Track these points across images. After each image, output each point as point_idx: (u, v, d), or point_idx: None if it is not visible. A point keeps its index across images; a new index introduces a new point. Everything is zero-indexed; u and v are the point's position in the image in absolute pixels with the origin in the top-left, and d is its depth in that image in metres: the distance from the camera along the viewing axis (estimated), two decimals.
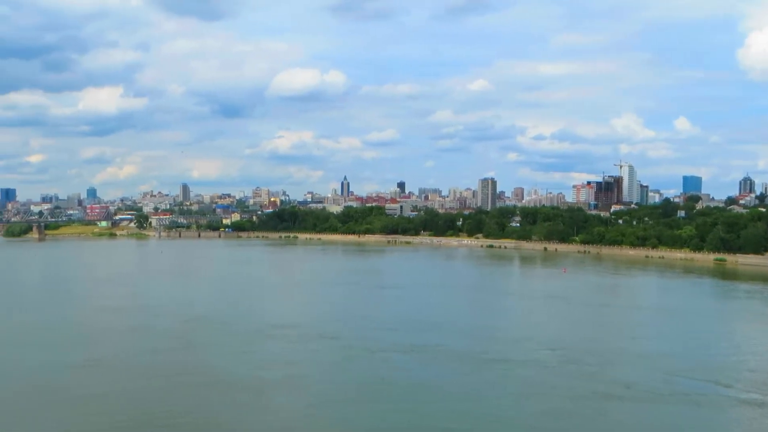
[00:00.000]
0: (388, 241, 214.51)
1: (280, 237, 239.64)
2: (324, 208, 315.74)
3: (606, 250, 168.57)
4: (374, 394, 47.16)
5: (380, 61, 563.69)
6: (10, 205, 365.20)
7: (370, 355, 58.04)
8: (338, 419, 42.46)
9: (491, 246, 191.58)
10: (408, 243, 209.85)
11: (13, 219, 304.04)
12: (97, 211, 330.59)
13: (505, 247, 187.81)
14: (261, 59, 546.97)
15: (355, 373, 52.32)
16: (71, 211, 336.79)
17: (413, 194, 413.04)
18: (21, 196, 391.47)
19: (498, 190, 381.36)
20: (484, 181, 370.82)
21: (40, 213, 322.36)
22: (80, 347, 62.02)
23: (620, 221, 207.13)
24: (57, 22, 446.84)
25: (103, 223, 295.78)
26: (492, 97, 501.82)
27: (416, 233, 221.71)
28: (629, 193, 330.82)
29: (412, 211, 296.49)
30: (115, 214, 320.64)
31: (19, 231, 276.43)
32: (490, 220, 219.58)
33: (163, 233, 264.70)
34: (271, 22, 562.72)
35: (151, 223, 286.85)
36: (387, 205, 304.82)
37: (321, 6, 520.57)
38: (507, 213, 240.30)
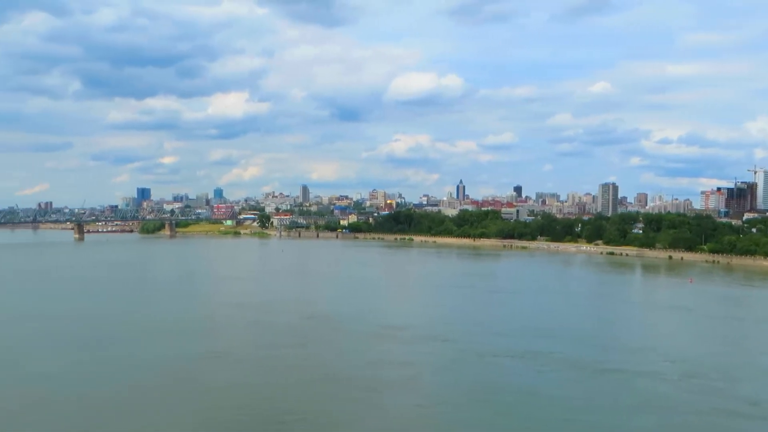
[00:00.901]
0: (504, 246, 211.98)
1: (396, 239, 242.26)
2: (439, 211, 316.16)
3: (737, 260, 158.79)
4: (485, 398, 47.13)
5: (497, 64, 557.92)
6: (145, 203, 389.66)
7: (482, 359, 58.00)
8: (448, 421, 42.79)
9: (611, 253, 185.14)
10: (524, 248, 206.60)
11: (147, 217, 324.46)
12: (223, 210, 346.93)
13: (627, 255, 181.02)
14: (379, 64, 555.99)
15: (466, 377, 52.44)
16: (199, 210, 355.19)
17: (530, 198, 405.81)
18: (155, 195, 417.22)
19: (619, 195, 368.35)
20: (605, 186, 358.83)
21: (172, 211, 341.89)
22: (206, 340, 65.92)
23: (754, 230, 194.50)
24: (190, 32, 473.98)
25: (229, 222, 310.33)
26: (614, 99, 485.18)
27: (533, 238, 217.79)
28: (764, 201, 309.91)
29: (528, 215, 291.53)
30: (240, 213, 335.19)
31: (153, 228, 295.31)
32: (610, 226, 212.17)
33: (283, 233, 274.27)
34: (389, 28, 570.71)
35: (272, 222, 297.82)
36: (503, 209, 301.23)
37: (439, 10, 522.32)
38: (629, 219, 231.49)
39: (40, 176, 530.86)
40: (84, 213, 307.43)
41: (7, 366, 55.24)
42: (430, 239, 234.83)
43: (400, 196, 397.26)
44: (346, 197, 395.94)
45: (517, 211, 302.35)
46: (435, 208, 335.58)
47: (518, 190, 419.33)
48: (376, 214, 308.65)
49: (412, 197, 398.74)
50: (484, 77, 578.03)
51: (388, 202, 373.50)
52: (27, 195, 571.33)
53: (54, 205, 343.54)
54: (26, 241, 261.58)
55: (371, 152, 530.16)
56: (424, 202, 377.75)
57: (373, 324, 72.60)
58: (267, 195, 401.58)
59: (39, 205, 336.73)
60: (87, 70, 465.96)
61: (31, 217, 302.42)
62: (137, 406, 44.97)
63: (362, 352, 60.38)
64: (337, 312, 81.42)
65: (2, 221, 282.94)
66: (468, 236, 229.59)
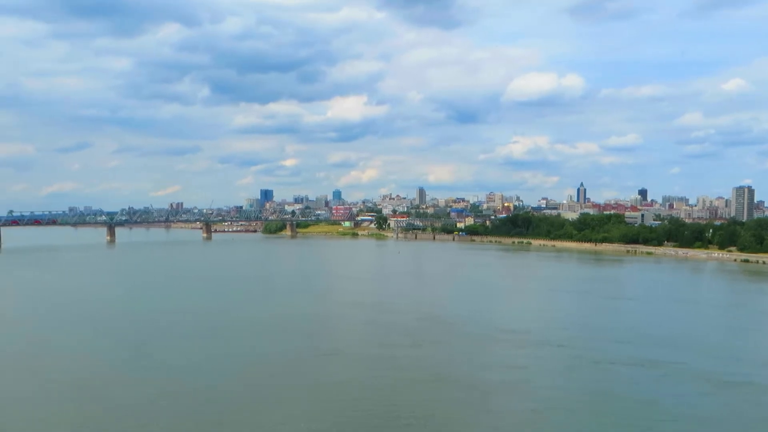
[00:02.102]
0: (627, 251, 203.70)
1: (513, 242, 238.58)
2: (559, 214, 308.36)
3: None
4: (599, 406, 45.72)
5: (621, 62, 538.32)
6: (267, 204, 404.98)
7: (597, 366, 56.16)
8: (562, 428, 41.85)
9: (746, 261, 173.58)
10: (649, 254, 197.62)
11: (270, 217, 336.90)
12: (341, 211, 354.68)
13: (764, 263, 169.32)
14: (497, 65, 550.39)
15: (581, 383, 50.99)
16: (319, 212, 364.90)
17: (656, 202, 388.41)
18: (277, 197, 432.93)
19: (756, 199, 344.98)
20: (740, 189, 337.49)
21: (293, 212, 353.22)
22: (323, 337, 67.94)
23: None
24: (310, 38, 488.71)
25: (347, 223, 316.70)
26: (750, 98, 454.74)
27: (659, 244, 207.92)
28: None
29: (654, 220, 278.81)
30: (357, 215, 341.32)
31: (275, 228, 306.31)
32: (745, 232, 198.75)
33: (400, 234, 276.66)
34: (508, 28, 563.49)
35: (389, 224, 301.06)
36: (626, 213, 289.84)
37: (559, 9, 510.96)
38: (766, 225, 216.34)
39: (172, 178, 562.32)
40: (212, 213, 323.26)
41: (144, 357, 59.41)
42: (549, 243, 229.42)
43: (517, 198, 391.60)
44: (463, 200, 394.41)
45: (642, 215, 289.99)
46: (554, 212, 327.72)
47: (643, 193, 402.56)
48: (493, 217, 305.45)
49: (530, 200, 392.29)
50: (607, 77, 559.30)
51: (506, 204, 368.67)
52: (160, 196, 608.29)
53: (184, 206, 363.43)
54: (160, 240, 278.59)
55: (488, 154, 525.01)
56: (543, 205, 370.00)
57: (488, 326, 72.07)
58: (384, 197, 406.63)
59: (171, 205, 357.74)
60: (215, 77, 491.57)
61: (164, 217, 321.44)
62: (257, 398, 47.01)
63: (476, 354, 60.06)
64: (452, 314, 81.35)
65: (138, 220, 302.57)
66: (589, 241, 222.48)
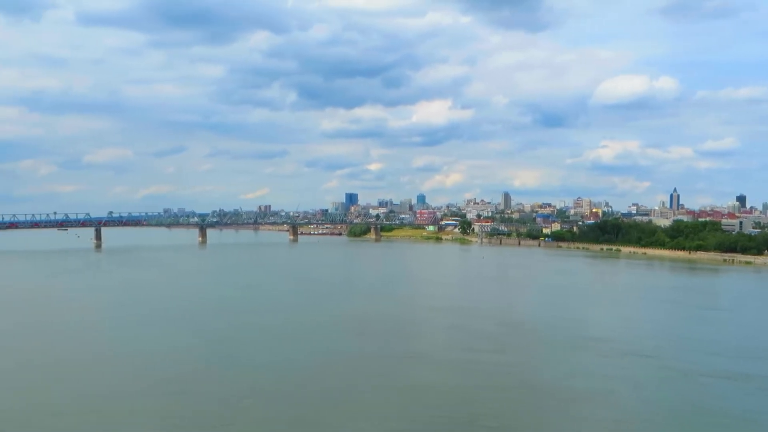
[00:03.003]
0: (725, 260, 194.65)
1: (602, 249, 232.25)
2: (650, 221, 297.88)
3: None
4: (687, 420, 44.12)
5: (718, 63, 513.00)
6: (352, 208, 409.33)
7: (688, 378, 54.14)
8: None
9: None
10: (748, 263, 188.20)
11: (355, 221, 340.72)
12: (425, 216, 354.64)
13: None
14: (585, 67, 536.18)
15: (670, 396, 49.26)
16: (403, 216, 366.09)
17: (756, 209, 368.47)
18: (362, 200, 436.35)
19: None
20: None
21: (377, 216, 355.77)
22: (406, 340, 68.32)
23: None
24: (396, 43, 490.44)
25: (431, 228, 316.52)
26: None
27: (758, 253, 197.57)
28: None
29: (754, 227, 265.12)
30: (441, 219, 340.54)
31: (359, 231, 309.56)
32: None
33: (484, 239, 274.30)
34: (596, 30, 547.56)
35: (473, 229, 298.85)
36: (723, 221, 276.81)
37: (651, 9, 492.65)
38: None
39: (260, 181, 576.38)
40: (298, 216, 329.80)
41: (234, 354, 61.55)
42: (639, 251, 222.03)
43: (606, 204, 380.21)
44: (549, 205, 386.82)
45: (740, 222, 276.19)
46: (645, 218, 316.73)
47: (741, 200, 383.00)
48: (580, 223, 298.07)
49: (620, 206, 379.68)
50: (702, 78, 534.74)
51: (594, 210, 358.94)
52: (249, 199, 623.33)
53: (272, 208, 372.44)
54: (248, 241, 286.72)
55: (576, 159, 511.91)
56: (633, 212, 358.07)
57: (573, 334, 70.65)
58: (468, 201, 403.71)
59: (259, 207, 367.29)
60: (302, 83, 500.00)
61: (253, 219, 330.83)
62: (340, 398, 47.79)
63: (560, 361, 59.00)
64: (537, 320, 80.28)
65: (228, 222, 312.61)
66: (682, 248, 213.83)
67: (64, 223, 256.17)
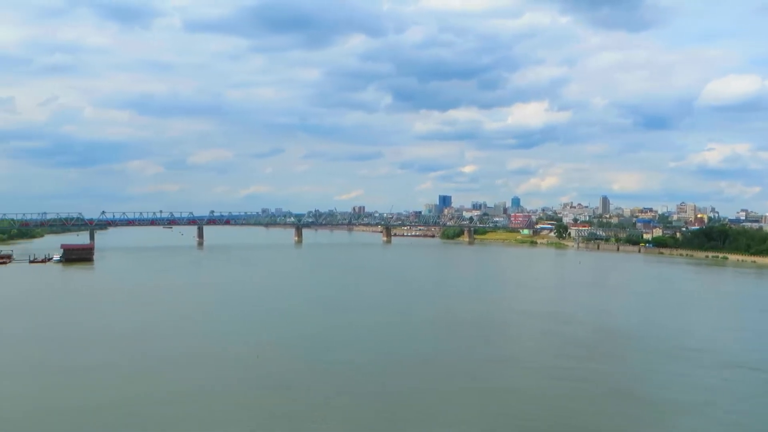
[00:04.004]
0: None
1: (706, 256, 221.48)
2: (761, 227, 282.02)
3: None
4: None
5: None
6: (446, 210, 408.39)
7: None
8: None
9: None
10: None
11: (448, 223, 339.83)
12: (520, 219, 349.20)
13: None
14: (691, 67, 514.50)
15: None
16: (497, 218, 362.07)
17: None
18: (455, 203, 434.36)
19: None
20: None
21: (471, 219, 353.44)
22: (494, 344, 67.78)
23: None
24: (492, 44, 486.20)
25: (525, 231, 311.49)
26: None
27: None
28: None
29: None
30: (536, 223, 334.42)
31: (452, 234, 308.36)
32: None
33: (581, 244, 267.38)
34: (703, 28, 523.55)
35: (570, 233, 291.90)
36: None
37: (761, 6, 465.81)
38: None
39: (354, 183, 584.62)
40: (391, 217, 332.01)
41: (325, 352, 63.14)
42: (749, 259, 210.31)
43: (712, 210, 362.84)
44: (650, 210, 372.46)
45: None
46: (755, 225, 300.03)
47: None
48: (684, 229, 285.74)
49: (727, 212, 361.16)
50: None
51: (699, 216, 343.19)
52: (344, 200, 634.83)
53: (366, 210, 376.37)
54: (343, 242, 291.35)
55: (679, 162, 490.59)
56: (742, 218, 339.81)
57: (672, 343, 67.93)
58: (565, 205, 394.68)
59: (353, 209, 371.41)
60: (397, 85, 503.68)
61: (347, 220, 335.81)
62: (427, 399, 47.87)
63: (656, 371, 56.95)
64: (634, 328, 77.72)
65: (324, 223, 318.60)
66: None
67: (169, 222, 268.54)
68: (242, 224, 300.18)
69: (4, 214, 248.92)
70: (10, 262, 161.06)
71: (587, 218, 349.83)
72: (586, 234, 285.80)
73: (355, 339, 68.23)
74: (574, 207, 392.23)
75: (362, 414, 44.20)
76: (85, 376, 52.62)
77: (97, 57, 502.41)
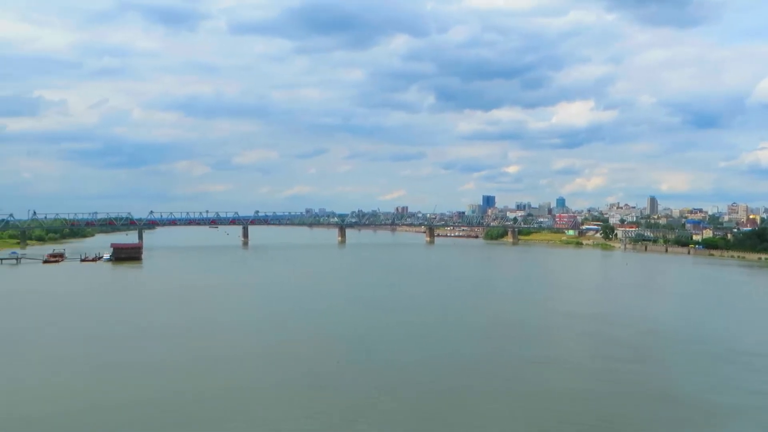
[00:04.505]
0: None
1: (759, 258, 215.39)
2: None
3: None
4: None
5: None
6: (489, 210, 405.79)
7: None
8: None
9: None
10: None
11: (491, 223, 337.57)
12: (565, 220, 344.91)
13: None
14: (742, 64, 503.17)
15: None
16: (541, 219, 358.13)
17: None
18: (499, 203, 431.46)
19: None
20: None
21: (515, 219, 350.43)
22: (537, 344, 67.10)
23: None
24: (536, 43, 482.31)
25: (570, 232, 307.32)
26: None
27: None
28: None
29: None
30: (582, 224, 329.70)
31: (496, 234, 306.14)
32: None
33: (628, 245, 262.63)
34: (754, 24, 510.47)
35: (616, 234, 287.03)
36: None
37: None
38: None
39: (397, 183, 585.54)
40: (434, 218, 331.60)
41: (367, 351, 63.71)
42: None
43: (765, 210, 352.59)
44: (700, 210, 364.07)
45: None
46: None
47: None
48: (735, 230, 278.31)
49: None
50: None
51: (751, 217, 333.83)
52: (387, 200, 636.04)
53: (409, 210, 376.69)
54: (386, 242, 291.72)
55: (731, 162, 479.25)
56: None
57: (721, 347, 66.09)
58: (611, 206, 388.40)
59: (396, 209, 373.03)
60: (440, 86, 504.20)
61: (390, 220, 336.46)
62: (466, 400, 47.59)
63: (705, 374, 55.58)
64: (681, 330, 76.03)
65: (367, 223, 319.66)
66: None
67: (215, 221, 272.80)
68: (286, 224, 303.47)
69: (57, 214, 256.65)
70: (62, 260, 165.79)
71: (634, 219, 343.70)
72: (633, 235, 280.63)
73: (398, 339, 68.26)
74: (621, 207, 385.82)
75: (405, 414, 44.16)
76: (136, 373, 53.82)
77: (145, 60, 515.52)
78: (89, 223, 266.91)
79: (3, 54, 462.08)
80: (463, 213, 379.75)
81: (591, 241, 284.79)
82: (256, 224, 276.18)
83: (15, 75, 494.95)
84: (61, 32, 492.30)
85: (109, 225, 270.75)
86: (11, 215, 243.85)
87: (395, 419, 43.10)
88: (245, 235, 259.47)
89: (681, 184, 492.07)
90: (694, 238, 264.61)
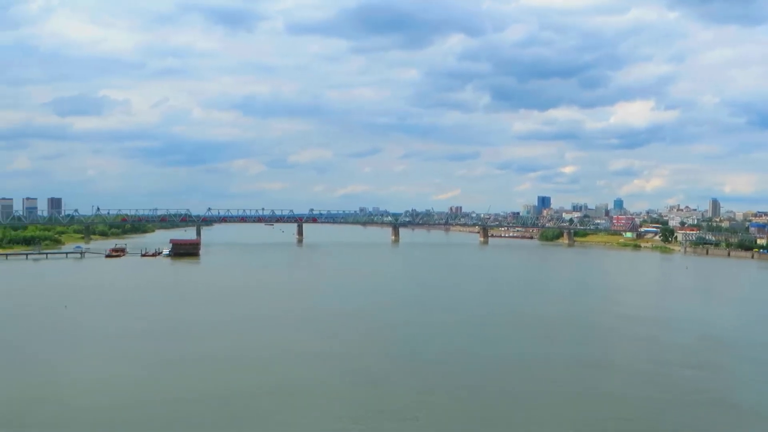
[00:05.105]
0: None
1: None
2: None
3: None
4: None
5: None
6: (545, 211, 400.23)
7: None
8: None
9: None
10: None
11: (547, 224, 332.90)
12: (622, 221, 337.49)
13: None
14: None
15: None
16: (598, 221, 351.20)
17: None
18: (554, 204, 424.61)
19: None
20: None
21: (571, 220, 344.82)
22: (592, 347, 66.38)
23: None
24: (595, 42, 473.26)
25: (628, 234, 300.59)
26: None
27: None
28: None
29: None
30: (640, 226, 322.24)
31: (551, 236, 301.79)
32: None
33: (688, 249, 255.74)
34: None
35: (676, 237, 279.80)
36: None
37: None
38: None
39: (451, 183, 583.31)
40: (489, 218, 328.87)
41: (422, 351, 63.30)
42: None
43: None
44: (765, 213, 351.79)
45: None
46: None
47: None
48: None
49: None
50: None
51: None
52: (441, 200, 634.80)
53: (463, 210, 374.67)
54: (439, 241, 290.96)
55: None
56: None
57: None
58: (671, 208, 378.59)
59: (450, 209, 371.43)
60: (495, 85, 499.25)
61: (444, 220, 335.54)
62: (523, 402, 47.45)
63: (764, 382, 53.72)
64: (742, 336, 73.53)
65: (420, 222, 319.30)
66: None
67: (270, 219, 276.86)
68: (340, 223, 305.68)
69: (119, 210, 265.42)
70: (124, 255, 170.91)
71: (695, 222, 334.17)
72: (693, 238, 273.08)
73: (450, 338, 68.32)
74: (681, 210, 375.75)
75: (455, 413, 44.19)
76: (192, 367, 55.33)
77: (204, 60, 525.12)
78: (150, 219, 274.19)
79: (71, 55, 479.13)
80: (518, 213, 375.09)
81: (649, 243, 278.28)
82: (310, 222, 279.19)
83: (81, 75, 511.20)
84: (126, 34, 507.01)
85: (169, 221, 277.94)
86: (76, 210, 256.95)
87: (446, 418, 43.15)
88: (300, 232, 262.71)
89: (745, 186, 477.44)
90: (759, 242, 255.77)
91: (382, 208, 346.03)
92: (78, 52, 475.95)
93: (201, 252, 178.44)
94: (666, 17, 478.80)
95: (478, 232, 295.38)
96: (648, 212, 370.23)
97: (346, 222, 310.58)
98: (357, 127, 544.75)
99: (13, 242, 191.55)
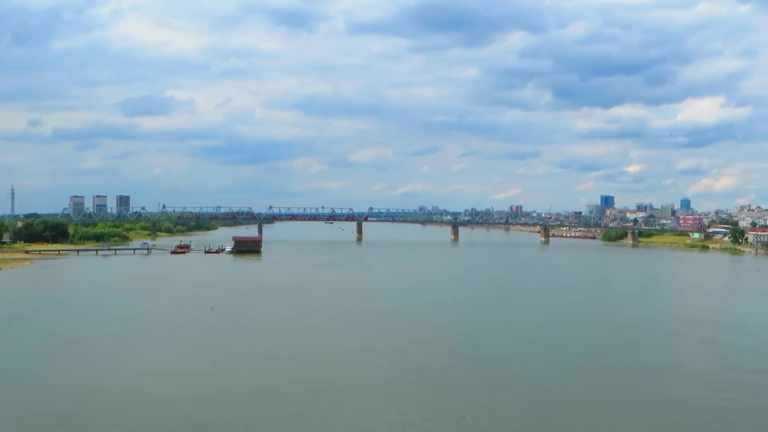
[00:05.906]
0: None
1: None
2: None
3: None
4: None
5: None
6: (608, 211, 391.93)
7: None
8: None
9: None
10: None
11: (610, 224, 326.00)
12: (689, 222, 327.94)
13: None
14: None
15: None
16: (664, 221, 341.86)
17: None
18: (618, 204, 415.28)
19: None
20: None
21: (635, 221, 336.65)
22: (655, 350, 64.66)
23: None
24: (661, 37, 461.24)
25: (696, 235, 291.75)
26: None
27: None
28: None
29: None
30: (709, 226, 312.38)
31: (615, 236, 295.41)
32: None
33: (760, 250, 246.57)
34: None
35: (747, 238, 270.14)
36: None
37: None
38: None
39: (512, 182, 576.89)
40: (550, 218, 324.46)
41: (480, 350, 63.42)
42: None
43: None
44: None
45: None
46: None
47: None
48: None
49: None
50: None
51: None
52: (500, 199, 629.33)
53: (523, 209, 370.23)
54: (499, 241, 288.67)
55: None
56: None
57: None
58: (741, 208, 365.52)
59: (510, 208, 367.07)
60: (557, 83, 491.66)
61: (504, 219, 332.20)
62: (584, 405, 46.78)
63: None
64: None
65: (480, 221, 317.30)
66: None
67: (330, 217, 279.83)
68: (399, 221, 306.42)
69: (184, 208, 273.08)
70: (188, 252, 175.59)
71: (767, 222, 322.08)
72: (766, 239, 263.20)
73: (509, 338, 67.84)
74: (752, 210, 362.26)
75: (512, 414, 43.97)
76: (251, 362, 56.46)
77: (267, 61, 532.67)
78: (213, 217, 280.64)
79: (139, 57, 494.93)
80: (580, 213, 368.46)
81: (718, 245, 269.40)
82: (369, 221, 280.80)
83: (149, 77, 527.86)
84: (191, 36, 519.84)
85: (232, 219, 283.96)
86: (143, 208, 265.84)
87: (503, 419, 42.95)
88: (359, 231, 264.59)
89: None
90: None
91: (441, 207, 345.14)
92: (145, 54, 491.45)
93: (262, 249, 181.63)
94: (737, 11, 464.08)
95: (539, 232, 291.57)
96: (717, 212, 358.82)
97: (405, 221, 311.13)
98: (416, 126, 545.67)
99: (84, 238, 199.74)
